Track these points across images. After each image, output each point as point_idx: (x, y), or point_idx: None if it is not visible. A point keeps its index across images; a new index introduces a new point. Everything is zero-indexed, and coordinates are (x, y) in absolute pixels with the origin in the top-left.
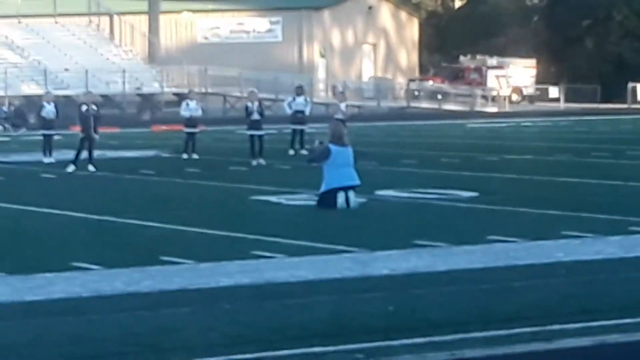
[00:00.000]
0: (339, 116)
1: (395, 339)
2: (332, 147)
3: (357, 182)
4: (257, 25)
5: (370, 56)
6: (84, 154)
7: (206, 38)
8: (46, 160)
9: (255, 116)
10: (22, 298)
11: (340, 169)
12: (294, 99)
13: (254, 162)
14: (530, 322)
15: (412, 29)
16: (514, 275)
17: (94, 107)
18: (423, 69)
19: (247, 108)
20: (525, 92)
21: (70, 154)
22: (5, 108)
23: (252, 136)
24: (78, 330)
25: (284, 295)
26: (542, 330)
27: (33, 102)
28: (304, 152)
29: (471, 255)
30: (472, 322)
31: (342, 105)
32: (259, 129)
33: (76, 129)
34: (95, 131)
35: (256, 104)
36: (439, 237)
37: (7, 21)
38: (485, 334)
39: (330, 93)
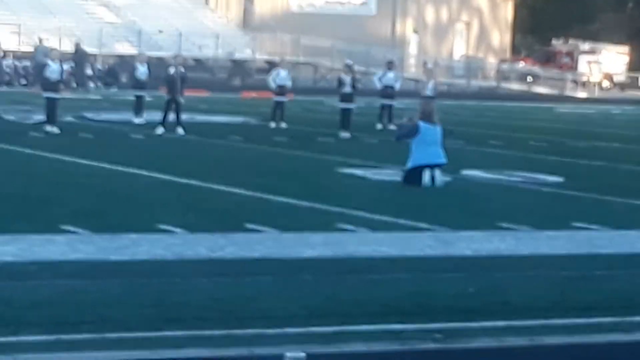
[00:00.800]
0: (428, 93)
1: (474, 320)
2: (421, 124)
3: (443, 160)
4: None
5: (463, 35)
6: (172, 116)
7: (301, 7)
8: (137, 120)
9: (348, 89)
10: (107, 257)
11: (428, 146)
12: (384, 73)
13: (343, 135)
14: (611, 312)
15: (506, 10)
16: (597, 264)
17: (182, 69)
18: (515, 50)
19: (340, 80)
20: (616, 79)
21: (160, 116)
22: (99, 66)
23: (343, 109)
24: (160, 294)
25: (365, 269)
26: (622, 321)
27: (126, 62)
28: (392, 127)
29: (554, 241)
30: (553, 309)
31: (431, 83)
32: (351, 101)
33: (164, 91)
34: (181, 94)
35: (350, 76)
36: (523, 221)
37: None
38: (565, 321)
39: (421, 69)
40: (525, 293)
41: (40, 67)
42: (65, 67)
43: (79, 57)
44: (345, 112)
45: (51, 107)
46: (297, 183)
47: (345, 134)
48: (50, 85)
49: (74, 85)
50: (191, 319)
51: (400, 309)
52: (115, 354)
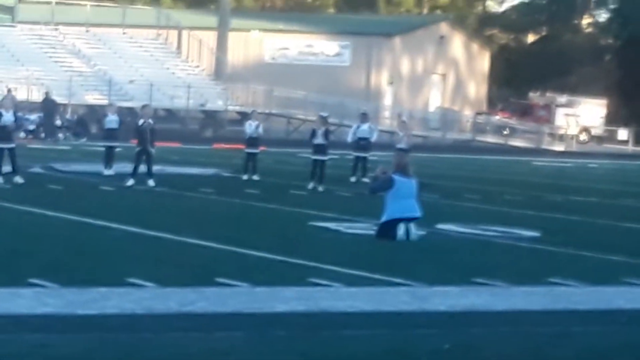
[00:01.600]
0: (402, 146)
1: None
2: (395, 177)
3: (419, 214)
4: (326, 48)
5: (439, 86)
6: (143, 168)
7: (274, 58)
8: (106, 172)
9: (320, 140)
10: (75, 311)
11: (403, 200)
12: (358, 126)
13: (310, 186)
14: None
15: (483, 62)
16: (573, 320)
17: (150, 121)
18: (491, 102)
19: (313, 131)
20: (593, 132)
21: (131, 167)
22: (68, 116)
23: (315, 160)
24: (130, 348)
25: (339, 325)
26: None
27: (96, 112)
28: (365, 180)
29: (531, 296)
30: None
31: (405, 135)
32: (324, 153)
33: (134, 142)
34: (152, 145)
35: (322, 129)
36: (499, 276)
37: (75, 29)
38: None
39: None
40: (501, 349)
41: None
42: (33, 117)
43: (48, 106)
44: (317, 164)
45: (11, 157)
46: (269, 236)
47: (314, 185)
48: (4, 135)
49: (43, 135)
50: None
51: None
52: None
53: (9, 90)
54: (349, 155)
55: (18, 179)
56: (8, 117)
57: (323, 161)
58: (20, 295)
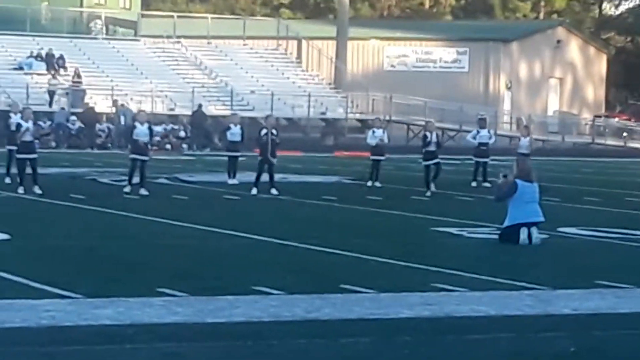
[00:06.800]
0: (523, 151)
1: None
2: (519, 182)
3: (541, 218)
4: (444, 55)
5: (557, 90)
6: (265, 177)
7: (392, 66)
8: (230, 181)
9: (432, 147)
10: (204, 320)
11: (526, 204)
12: (478, 131)
13: (428, 193)
14: None
15: (600, 65)
16: None
17: (273, 131)
18: (609, 105)
19: (425, 137)
20: None
21: (253, 176)
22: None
23: (427, 166)
24: (257, 356)
25: (464, 329)
26: None
27: (218, 123)
28: (486, 184)
29: None
30: None
31: (526, 140)
32: (434, 158)
33: (257, 152)
34: (273, 155)
35: (434, 134)
36: (623, 279)
37: (196, 42)
38: None
39: (514, 126)
40: (627, 352)
41: (129, 129)
42: (159, 128)
43: (198, 118)
44: (430, 169)
45: (140, 169)
46: (392, 242)
47: (428, 192)
48: (138, 148)
49: (168, 147)
50: None
51: None
52: None
53: (122, 105)
54: (469, 160)
55: (143, 191)
56: (142, 130)
57: (437, 164)
58: (150, 305)
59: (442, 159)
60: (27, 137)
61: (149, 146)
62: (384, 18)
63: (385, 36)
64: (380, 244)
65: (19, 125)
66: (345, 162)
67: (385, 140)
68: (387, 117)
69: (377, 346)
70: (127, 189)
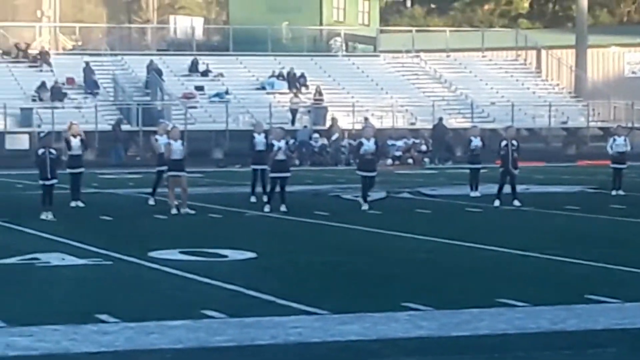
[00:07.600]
0: None
1: None
2: None
3: None
4: None
5: None
6: (507, 189)
7: (634, 72)
8: (472, 194)
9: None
10: (449, 333)
11: None
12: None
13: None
14: None
15: None
16: None
17: (514, 142)
18: None
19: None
20: None
21: (496, 188)
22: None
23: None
24: None
25: None
26: None
27: (460, 135)
28: None
29: None
30: None
31: None
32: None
33: (499, 163)
34: (515, 166)
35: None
36: None
37: (435, 55)
38: None
39: None
40: None
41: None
42: (399, 143)
43: (439, 131)
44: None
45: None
46: (638, 251)
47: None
48: (364, 164)
49: (410, 161)
50: None
51: None
52: None
53: (366, 119)
54: None
55: (365, 207)
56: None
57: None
58: (396, 319)
59: None
60: (280, 156)
61: (376, 161)
62: (623, 24)
63: (626, 42)
64: (626, 253)
65: (271, 145)
66: (588, 171)
67: (628, 147)
68: (630, 125)
69: (624, 356)
70: (364, 207)
